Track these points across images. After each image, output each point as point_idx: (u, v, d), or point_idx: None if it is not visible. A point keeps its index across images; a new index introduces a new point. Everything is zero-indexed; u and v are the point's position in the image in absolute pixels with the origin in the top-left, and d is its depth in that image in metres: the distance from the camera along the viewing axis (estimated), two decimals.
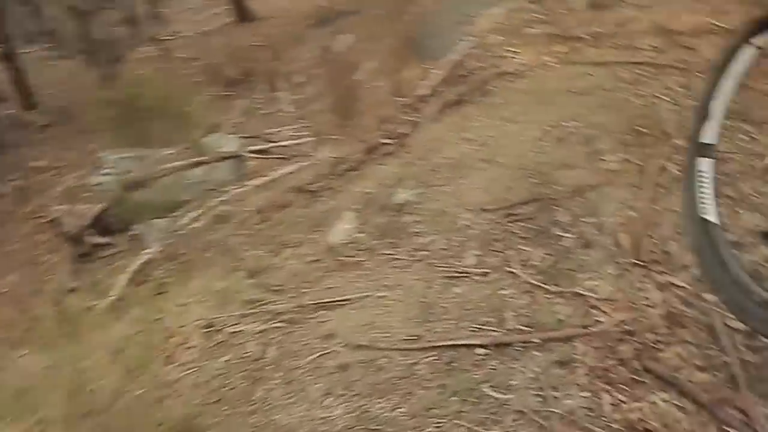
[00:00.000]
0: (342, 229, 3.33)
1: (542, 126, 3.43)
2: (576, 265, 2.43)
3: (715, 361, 1.92)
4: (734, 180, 2.49)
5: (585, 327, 2.16)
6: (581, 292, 2.29)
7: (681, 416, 1.82)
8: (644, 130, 3.13)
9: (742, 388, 1.83)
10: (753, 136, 2.73)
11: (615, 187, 2.75)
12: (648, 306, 2.15)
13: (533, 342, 2.16)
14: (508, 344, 2.20)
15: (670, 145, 2.95)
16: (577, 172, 2.95)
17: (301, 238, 3.53)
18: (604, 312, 2.19)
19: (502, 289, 2.46)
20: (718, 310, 2.06)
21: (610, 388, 1.95)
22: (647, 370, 1.96)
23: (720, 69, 1.89)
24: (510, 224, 2.80)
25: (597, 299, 2.24)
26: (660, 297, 2.17)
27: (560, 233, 2.63)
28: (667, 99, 3.38)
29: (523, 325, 2.26)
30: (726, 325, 2.01)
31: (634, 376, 1.96)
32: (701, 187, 1.84)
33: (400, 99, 4.90)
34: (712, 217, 1.80)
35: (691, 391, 1.87)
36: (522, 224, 2.77)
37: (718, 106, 1.87)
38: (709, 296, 2.11)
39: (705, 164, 1.87)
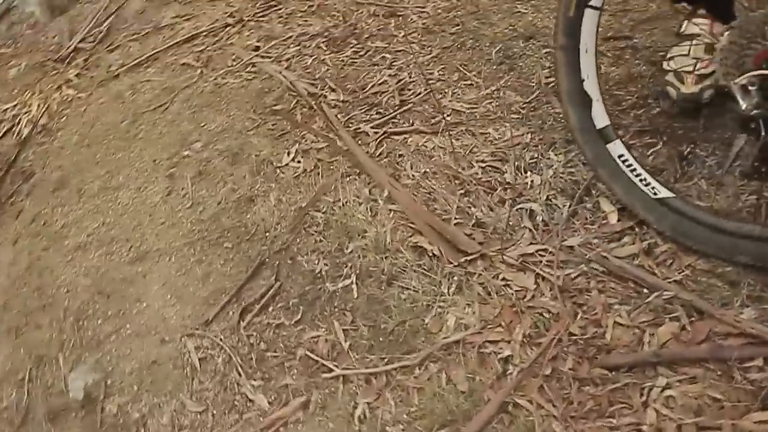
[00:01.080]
0: None
1: (159, 173, 2.47)
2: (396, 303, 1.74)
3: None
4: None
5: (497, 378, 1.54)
6: (451, 339, 1.64)
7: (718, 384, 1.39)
8: (281, 106, 2.47)
9: (712, 308, 1.47)
10: None
11: (334, 190, 2.08)
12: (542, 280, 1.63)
13: None
14: None
15: (325, 102, 2.37)
16: (267, 200, 2.17)
17: None
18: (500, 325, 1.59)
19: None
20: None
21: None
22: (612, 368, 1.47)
23: (569, 48, 1.65)
24: (259, 317, 1.93)
25: (472, 333, 1.62)
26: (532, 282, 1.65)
27: (330, 284, 1.88)
28: (260, 57, 2.74)
29: None
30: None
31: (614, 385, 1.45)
32: (632, 169, 1.64)
33: None
34: (663, 194, 1.60)
35: (680, 357, 1.45)
36: (275, 306, 1.93)
37: (592, 86, 1.66)
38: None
39: (617, 147, 1.67)
